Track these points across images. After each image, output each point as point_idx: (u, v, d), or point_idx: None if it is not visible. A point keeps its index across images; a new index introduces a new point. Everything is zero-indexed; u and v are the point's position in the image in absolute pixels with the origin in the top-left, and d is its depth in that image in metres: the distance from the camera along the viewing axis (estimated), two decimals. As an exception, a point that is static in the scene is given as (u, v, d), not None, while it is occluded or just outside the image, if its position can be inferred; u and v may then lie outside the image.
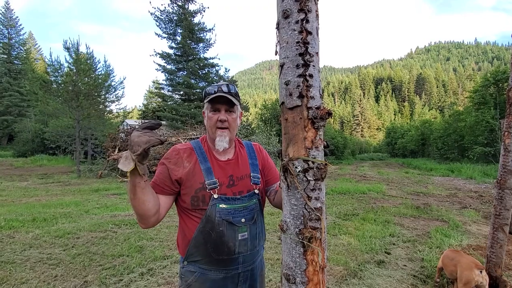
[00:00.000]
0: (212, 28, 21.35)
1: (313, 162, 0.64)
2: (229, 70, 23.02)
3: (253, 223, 1.17)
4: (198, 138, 1.27)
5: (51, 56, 12.59)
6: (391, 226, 4.76)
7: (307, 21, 0.62)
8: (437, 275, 2.82)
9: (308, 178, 0.64)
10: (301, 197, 0.65)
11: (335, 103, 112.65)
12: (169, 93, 22.35)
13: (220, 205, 1.10)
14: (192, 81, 20.68)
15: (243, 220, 1.13)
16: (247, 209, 1.16)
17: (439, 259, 2.79)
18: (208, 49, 22.00)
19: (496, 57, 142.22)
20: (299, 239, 0.65)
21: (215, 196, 1.11)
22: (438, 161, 21.56)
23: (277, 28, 0.66)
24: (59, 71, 12.67)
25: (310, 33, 0.62)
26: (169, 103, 21.79)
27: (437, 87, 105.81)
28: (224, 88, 1.16)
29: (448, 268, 2.56)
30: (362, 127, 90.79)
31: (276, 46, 0.66)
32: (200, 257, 1.13)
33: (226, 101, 1.16)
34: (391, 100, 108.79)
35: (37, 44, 45.93)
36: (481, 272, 2.31)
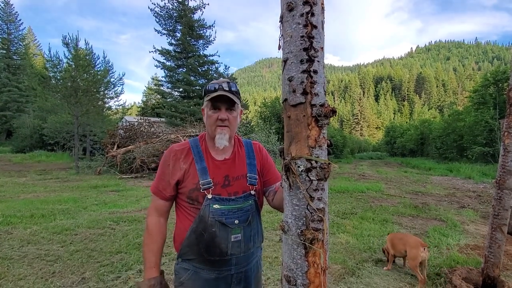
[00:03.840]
0: (212, 25, 21.26)
1: (316, 162, 0.62)
2: (229, 67, 22.95)
3: (247, 224, 1.14)
4: (197, 135, 1.23)
5: (50, 51, 12.53)
6: (389, 225, 4.77)
7: (312, 14, 0.59)
8: (386, 254, 3.22)
9: (311, 178, 0.62)
10: (303, 197, 0.63)
11: (334, 101, 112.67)
12: (169, 90, 22.27)
13: (214, 206, 1.08)
14: (192, 78, 20.59)
15: (236, 221, 1.11)
16: (241, 211, 1.13)
17: (387, 242, 3.20)
18: (208, 46, 21.93)
19: (497, 57, 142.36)
20: (301, 240, 0.63)
21: (209, 196, 1.08)
22: (437, 161, 21.58)
23: (281, 21, 0.63)
24: (58, 66, 12.59)
25: (315, 27, 0.60)
26: (169, 100, 21.71)
27: (437, 86, 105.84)
28: (225, 86, 1.13)
29: (397, 247, 2.99)
30: (361, 126, 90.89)
31: (280, 40, 0.64)
32: (193, 256, 1.12)
33: (227, 99, 1.12)
34: (391, 99, 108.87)
35: (36, 39, 45.64)
36: (424, 249, 2.76)
